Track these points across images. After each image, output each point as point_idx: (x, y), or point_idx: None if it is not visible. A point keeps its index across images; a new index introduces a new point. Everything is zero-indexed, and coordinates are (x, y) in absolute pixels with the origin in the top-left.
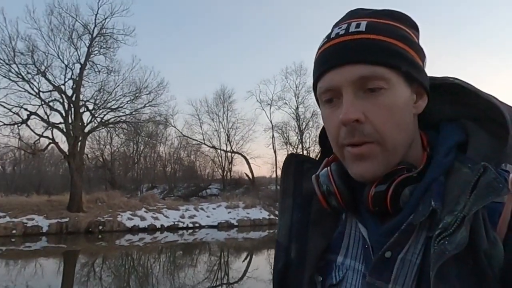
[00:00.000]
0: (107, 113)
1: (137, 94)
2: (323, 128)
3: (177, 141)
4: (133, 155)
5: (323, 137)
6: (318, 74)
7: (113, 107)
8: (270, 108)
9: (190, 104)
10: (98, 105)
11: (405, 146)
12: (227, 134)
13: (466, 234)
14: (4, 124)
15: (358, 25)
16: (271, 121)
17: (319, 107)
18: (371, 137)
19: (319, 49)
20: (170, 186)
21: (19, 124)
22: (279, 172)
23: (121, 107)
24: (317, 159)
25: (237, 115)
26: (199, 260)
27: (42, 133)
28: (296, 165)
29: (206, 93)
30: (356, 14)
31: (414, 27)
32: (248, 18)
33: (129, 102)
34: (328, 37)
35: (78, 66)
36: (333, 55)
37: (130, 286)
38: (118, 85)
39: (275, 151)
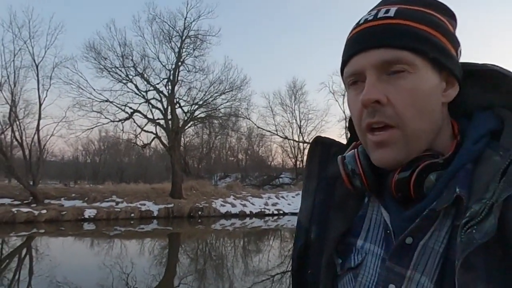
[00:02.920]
0: (196, 109)
1: (225, 91)
2: None
3: (248, 131)
4: (205, 146)
5: (353, 123)
6: (345, 59)
7: (201, 103)
8: (343, 98)
9: (264, 97)
10: (189, 102)
11: (429, 133)
12: (298, 125)
13: (494, 222)
14: (111, 120)
15: (387, 11)
16: (344, 112)
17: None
18: (391, 120)
19: (349, 34)
20: (243, 175)
21: (123, 121)
22: None
23: (208, 103)
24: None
25: (309, 106)
26: (275, 245)
27: (143, 127)
28: (322, 148)
29: (279, 86)
30: (388, 0)
31: (450, 15)
32: (320, 9)
33: (216, 98)
34: (358, 23)
35: (172, 66)
36: (359, 40)
37: (215, 262)
38: (212, 84)
39: None
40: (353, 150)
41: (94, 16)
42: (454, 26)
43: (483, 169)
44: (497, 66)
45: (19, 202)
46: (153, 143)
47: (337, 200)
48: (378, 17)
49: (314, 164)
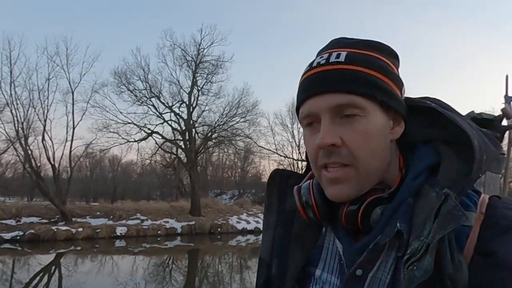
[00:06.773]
0: (212, 130)
1: (237, 114)
2: None
3: (245, 149)
4: (201, 162)
5: None
6: (300, 100)
7: (216, 125)
8: None
9: (264, 117)
10: (203, 123)
11: (379, 171)
12: (297, 144)
13: (431, 260)
14: (127, 141)
15: (338, 55)
16: None
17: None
18: (346, 160)
19: (302, 75)
20: (240, 192)
21: (139, 141)
22: None
23: (221, 124)
24: (302, 173)
25: None
26: None
27: (161, 145)
28: (280, 180)
29: (281, 106)
30: (338, 43)
31: (394, 56)
32: (317, 30)
33: (228, 121)
34: (311, 65)
35: (188, 90)
36: (313, 84)
37: (223, 274)
38: (231, 109)
39: None
40: (308, 181)
41: (119, 45)
42: (398, 66)
43: (421, 205)
44: (434, 103)
45: (47, 221)
46: (138, 159)
47: (296, 232)
48: (330, 61)
49: (274, 197)
